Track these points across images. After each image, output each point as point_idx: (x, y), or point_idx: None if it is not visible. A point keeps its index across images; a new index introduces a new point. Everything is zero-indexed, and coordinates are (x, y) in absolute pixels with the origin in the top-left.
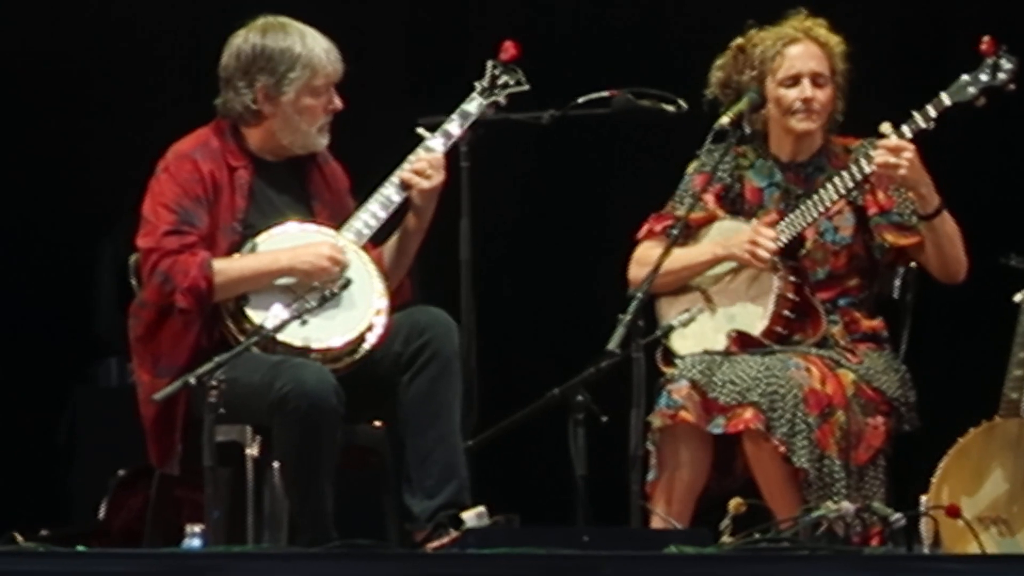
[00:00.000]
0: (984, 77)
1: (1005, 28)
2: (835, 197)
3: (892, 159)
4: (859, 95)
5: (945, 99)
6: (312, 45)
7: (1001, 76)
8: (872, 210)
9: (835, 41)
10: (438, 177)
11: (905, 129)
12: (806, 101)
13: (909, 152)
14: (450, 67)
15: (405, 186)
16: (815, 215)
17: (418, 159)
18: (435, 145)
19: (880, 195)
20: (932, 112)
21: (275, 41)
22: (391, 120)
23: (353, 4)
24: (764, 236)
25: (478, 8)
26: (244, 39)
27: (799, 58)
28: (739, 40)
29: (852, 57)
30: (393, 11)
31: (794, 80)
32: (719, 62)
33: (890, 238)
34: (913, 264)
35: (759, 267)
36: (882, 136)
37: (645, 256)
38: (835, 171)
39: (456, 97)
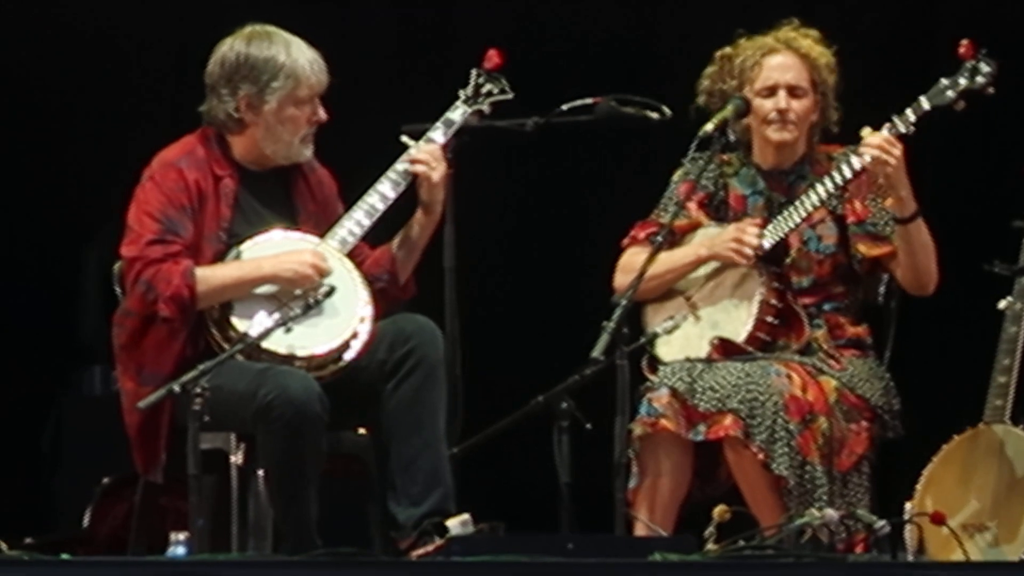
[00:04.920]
0: (963, 81)
1: (990, 33)
2: (816, 204)
3: (884, 155)
4: (844, 103)
5: (924, 103)
6: (296, 55)
7: (980, 80)
8: (850, 219)
9: (818, 52)
10: (440, 168)
11: (885, 133)
12: (781, 112)
13: (899, 150)
14: (437, 74)
15: (393, 190)
16: (797, 221)
17: (419, 150)
18: None
19: (857, 204)
20: (912, 116)
21: (259, 50)
22: (378, 127)
23: (341, 12)
24: (748, 233)
25: (464, 16)
26: (229, 47)
27: (776, 69)
28: (726, 49)
29: (840, 66)
30: (380, 19)
31: (771, 91)
32: (707, 71)
33: (863, 248)
34: None
35: (744, 263)
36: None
37: (629, 263)
38: (817, 179)
39: (442, 105)
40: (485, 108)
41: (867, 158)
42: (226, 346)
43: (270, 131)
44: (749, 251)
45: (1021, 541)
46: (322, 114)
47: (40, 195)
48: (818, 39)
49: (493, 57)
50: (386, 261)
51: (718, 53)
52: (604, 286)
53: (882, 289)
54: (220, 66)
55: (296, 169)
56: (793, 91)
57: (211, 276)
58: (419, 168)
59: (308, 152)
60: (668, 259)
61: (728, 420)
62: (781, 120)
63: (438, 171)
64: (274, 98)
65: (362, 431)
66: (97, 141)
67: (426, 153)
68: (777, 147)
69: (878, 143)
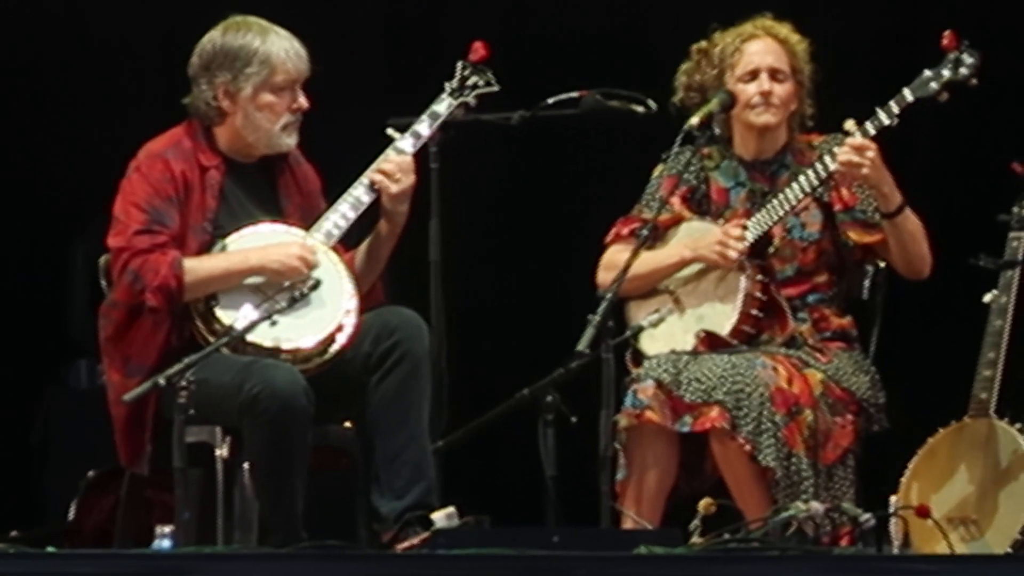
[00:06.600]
0: (946, 72)
1: (972, 24)
2: (800, 195)
3: (855, 158)
4: (826, 93)
5: (908, 95)
6: (272, 42)
7: (963, 71)
8: (837, 207)
9: (796, 39)
10: (407, 180)
11: (869, 126)
12: (764, 94)
13: (872, 151)
14: (422, 67)
15: (375, 187)
16: (781, 213)
17: (386, 162)
18: (405, 146)
19: (844, 192)
20: (895, 108)
21: (234, 38)
22: (363, 120)
23: (327, 4)
24: (732, 236)
25: (450, 9)
26: (208, 38)
27: (757, 53)
28: (702, 43)
29: (819, 56)
30: (367, 12)
31: (752, 75)
32: (683, 67)
33: (854, 236)
34: (883, 264)
35: (728, 267)
36: (846, 133)
37: (613, 260)
38: (800, 168)
39: (427, 97)
40: (471, 100)
41: (838, 165)
42: (211, 339)
43: (248, 119)
44: (733, 254)
45: (1005, 533)
46: (303, 101)
47: (28, 188)
48: (793, 29)
49: (479, 49)
50: (350, 269)
51: (694, 47)
52: (589, 279)
53: (867, 283)
54: (199, 57)
55: (282, 162)
56: (775, 74)
57: (198, 267)
58: (376, 177)
59: (291, 141)
60: (651, 259)
61: (714, 412)
62: (764, 103)
63: (400, 184)
64: (248, 84)
65: (348, 424)
66: (85, 134)
67: (391, 164)
68: (759, 133)
69: (846, 150)
